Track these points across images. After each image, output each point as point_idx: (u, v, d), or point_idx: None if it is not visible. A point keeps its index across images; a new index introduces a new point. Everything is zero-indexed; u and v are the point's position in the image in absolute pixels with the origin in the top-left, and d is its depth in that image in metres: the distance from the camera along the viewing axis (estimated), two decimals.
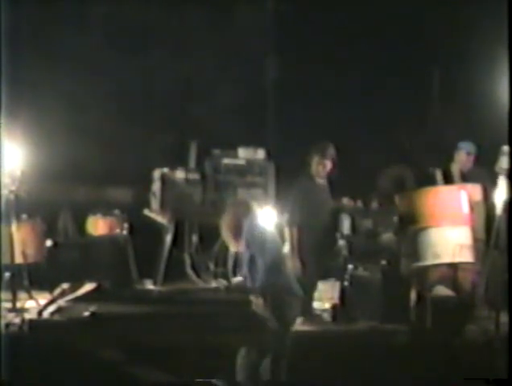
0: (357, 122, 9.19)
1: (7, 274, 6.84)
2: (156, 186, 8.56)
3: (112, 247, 8.38)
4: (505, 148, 6.18)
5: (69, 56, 9.07)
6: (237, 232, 5.08)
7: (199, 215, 8.54)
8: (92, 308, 6.21)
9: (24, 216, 7.65)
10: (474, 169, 7.59)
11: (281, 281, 4.99)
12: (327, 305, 7.08)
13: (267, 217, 8.28)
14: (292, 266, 6.78)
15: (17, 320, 5.95)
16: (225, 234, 5.17)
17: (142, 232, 8.56)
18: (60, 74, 8.80)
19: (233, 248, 5.34)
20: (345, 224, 7.84)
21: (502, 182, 6.26)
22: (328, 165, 7.10)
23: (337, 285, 7.10)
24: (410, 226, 6.62)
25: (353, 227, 7.75)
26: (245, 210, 5.19)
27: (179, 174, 8.59)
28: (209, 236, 8.19)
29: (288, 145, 8.98)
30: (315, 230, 7.01)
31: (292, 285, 5.06)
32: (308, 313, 6.79)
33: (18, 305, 6.56)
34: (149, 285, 8.24)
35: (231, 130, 9.08)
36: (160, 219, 8.58)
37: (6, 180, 6.68)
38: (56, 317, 6.35)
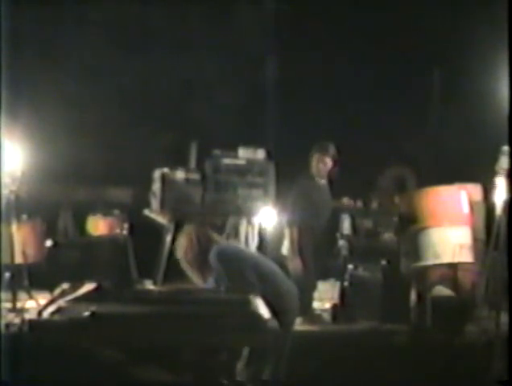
0: (357, 122, 9.19)
1: (7, 274, 6.84)
2: (156, 186, 8.55)
3: (112, 247, 8.38)
4: (505, 148, 6.18)
5: (69, 56, 9.07)
6: (202, 266, 4.89)
7: (199, 215, 8.53)
8: (92, 308, 6.20)
9: (24, 216, 7.65)
10: None
11: (274, 288, 4.90)
12: (327, 305, 7.08)
13: (267, 217, 8.31)
14: (293, 266, 6.81)
15: (17, 320, 5.94)
16: (188, 270, 4.93)
17: (142, 231, 8.56)
18: (60, 74, 8.80)
19: (198, 282, 5.08)
20: (345, 224, 7.84)
21: (502, 182, 6.27)
22: (329, 163, 7.11)
23: (337, 285, 7.11)
24: (411, 226, 6.62)
25: (353, 228, 7.76)
26: (207, 239, 4.97)
27: (179, 174, 8.58)
28: None
29: (288, 145, 8.98)
30: (315, 230, 7.02)
31: (284, 286, 5.02)
32: (308, 313, 6.80)
33: (18, 305, 6.56)
34: (149, 285, 8.23)
35: (231, 130, 9.08)
36: (160, 219, 8.58)
37: (6, 180, 6.68)
38: (56, 317, 6.33)
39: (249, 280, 4.77)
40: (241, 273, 4.79)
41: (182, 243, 4.99)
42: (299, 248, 6.91)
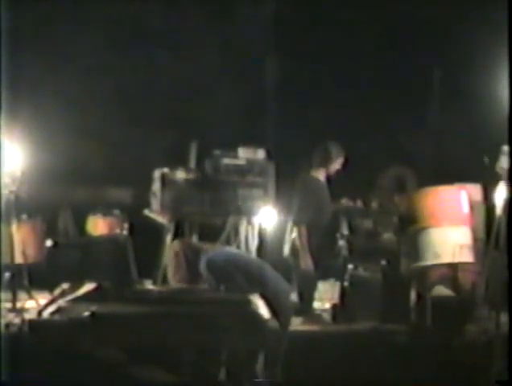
0: (357, 122, 9.19)
1: (7, 274, 6.84)
2: (156, 186, 8.55)
3: (112, 247, 8.37)
4: (505, 148, 6.18)
5: (69, 56, 9.07)
6: (193, 280, 4.93)
7: (199, 215, 8.53)
8: (93, 308, 6.20)
9: (24, 216, 7.65)
10: None
11: (269, 289, 4.91)
12: (327, 305, 7.08)
13: (267, 217, 8.31)
14: (304, 264, 6.83)
15: (17, 320, 5.95)
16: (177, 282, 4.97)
17: (142, 231, 8.56)
18: (60, 74, 8.80)
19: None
20: (345, 224, 7.84)
21: (502, 182, 6.27)
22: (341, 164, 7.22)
23: (337, 285, 7.10)
24: (410, 226, 6.62)
25: (351, 228, 7.74)
26: (194, 252, 5.00)
27: (179, 174, 8.58)
28: (209, 236, 8.19)
29: (288, 145, 8.98)
30: (317, 229, 7.03)
31: (278, 286, 5.02)
32: (308, 313, 6.80)
33: (18, 305, 6.56)
34: (149, 285, 8.23)
35: (231, 130, 9.07)
36: (160, 219, 8.57)
37: (6, 180, 6.68)
38: (56, 317, 6.34)
39: (240, 285, 4.80)
40: (232, 279, 4.82)
41: (170, 260, 5.02)
42: (309, 245, 6.93)
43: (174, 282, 4.99)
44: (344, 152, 7.26)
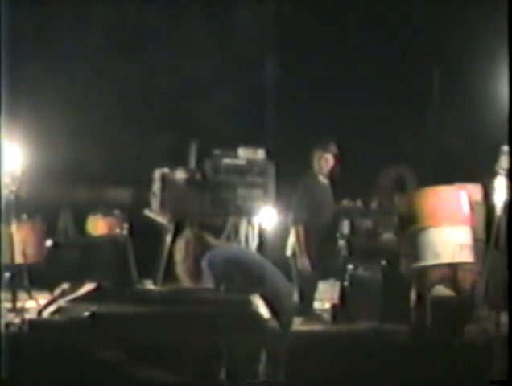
0: (357, 122, 9.19)
1: (7, 274, 6.84)
2: (156, 186, 8.55)
3: (112, 247, 8.38)
4: (505, 148, 6.18)
5: (69, 56, 9.07)
6: (195, 273, 4.92)
7: (199, 215, 8.53)
8: (93, 308, 6.20)
9: (24, 216, 7.65)
10: None
11: (268, 289, 4.91)
12: (327, 305, 7.08)
13: (267, 217, 8.31)
14: (301, 265, 6.83)
15: (17, 320, 5.95)
16: (182, 276, 4.97)
17: (142, 231, 8.56)
18: (60, 74, 8.81)
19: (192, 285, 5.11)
20: (345, 225, 7.85)
21: (502, 182, 6.26)
22: (331, 160, 7.15)
23: (337, 285, 7.10)
24: (410, 226, 6.62)
25: (351, 228, 7.75)
26: (203, 245, 4.98)
27: (179, 174, 8.59)
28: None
29: (288, 145, 8.98)
30: (317, 229, 7.03)
31: (280, 286, 5.02)
32: (308, 313, 6.80)
33: (18, 305, 6.56)
34: (149, 285, 8.23)
35: (231, 130, 9.08)
36: (160, 219, 8.58)
37: (6, 180, 6.68)
38: (56, 317, 6.34)
39: (239, 285, 4.80)
40: (231, 279, 4.81)
41: (180, 248, 5.00)
42: (307, 246, 6.93)
43: (180, 271, 4.97)
44: (334, 148, 7.22)
